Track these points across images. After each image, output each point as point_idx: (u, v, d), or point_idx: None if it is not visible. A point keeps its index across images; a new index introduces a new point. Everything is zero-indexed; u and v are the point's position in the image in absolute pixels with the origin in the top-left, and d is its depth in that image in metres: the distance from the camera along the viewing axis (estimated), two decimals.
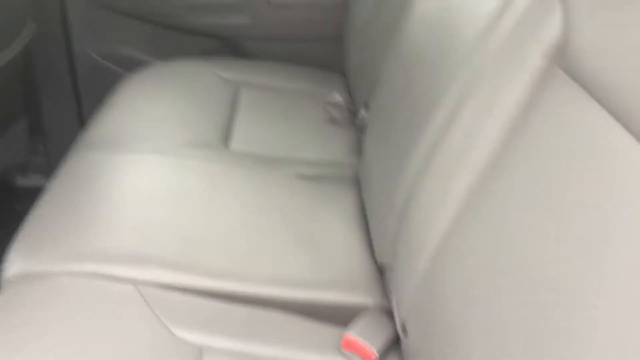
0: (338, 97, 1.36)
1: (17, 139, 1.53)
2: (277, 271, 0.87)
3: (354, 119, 1.33)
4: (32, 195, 1.12)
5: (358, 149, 1.21)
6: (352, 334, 0.78)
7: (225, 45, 1.65)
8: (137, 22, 1.61)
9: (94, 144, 1.10)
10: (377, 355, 0.77)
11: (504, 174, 0.62)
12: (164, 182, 1.01)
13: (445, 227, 0.68)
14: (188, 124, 1.21)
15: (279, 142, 1.22)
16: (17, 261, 0.82)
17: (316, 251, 0.92)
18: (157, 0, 1.58)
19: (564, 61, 0.59)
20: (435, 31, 0.89)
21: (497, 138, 0.65)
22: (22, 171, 1.64)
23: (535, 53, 0.62)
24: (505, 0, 0.73)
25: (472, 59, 0.74)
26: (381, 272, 0.90)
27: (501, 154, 0.64)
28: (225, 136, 1.21)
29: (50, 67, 1.60)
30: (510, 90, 0.64)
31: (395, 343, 0.79)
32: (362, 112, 1.15)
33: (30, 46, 1.42)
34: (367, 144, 1.07)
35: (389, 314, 0.82)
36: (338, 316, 0.83)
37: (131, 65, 1.59)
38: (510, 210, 0.59)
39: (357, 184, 1.10)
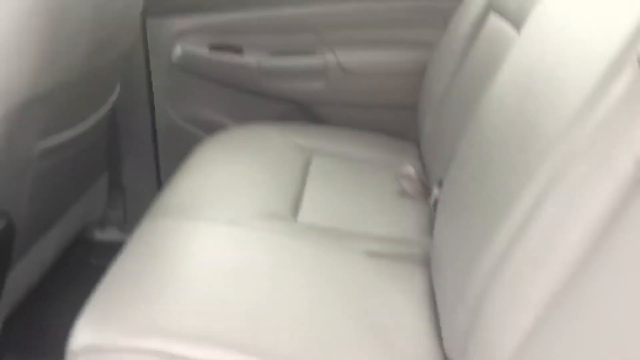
0: (410, 169, 1.34)
1: (98, 195, 1.59)
2: (342, 359, 0.85)
3: (426, 192, 1.30)
4: (108, 249, 1.15)
5: (430, 226, 1.17)
6: None
7: (301, 110, 1.67)
8: (216, 86, 1.66)
9: (167, 210, 1.13)
10: None
11: (588, 280, 0.58)
12: (231, 254, 1.02)
13: (525, 331, 0.64)
14: (259, 192, 1.22)
15: (348, 214, 1.21)
16: (83, 333, 0.83)
17: (383, 338, 0.89)
18: (235, 66, 1.63)
19: None
20: (514, 118, 0.86)
21: (580, 244, 0.61)
22: (100, 225, 1.70)
23: (626, 158, 0.58)
24: (593, 94, 0.69)
25: (554, 155, 0.70)
26: None
27: (585, 259, 0.60)
28: (295, 206, 1.21)
29: (133, 126, 1.67)
30: (596, 196, 0.60)
31: None
32: (436, 191, 1.12)
33: (116, 107, 1.49)
34: (439, 225, 1.04)
35: None
36: None
37: (209, 127, 1.64)
38: (599, 320, 0.55)
39: (428, 264, 1.07)
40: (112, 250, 1.05)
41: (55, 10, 1.01)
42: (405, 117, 1.59)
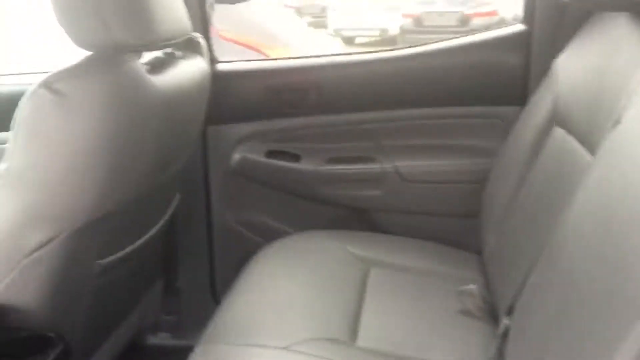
0: (473, 287, 1.28)
1: (153, 300, 1.59)
2: None
3: (490, 311, 1.24)
4: (159, 354, 1.13)
5: (496, 356, 1.10)
6: None
7: (357, 216, 1.65)
8: (273, 191, 1.67)
9: (222, 334, 1.10)
10: None
11: None
12: None
13: None
14: (315, 314, 1.18)
15: (408, 338, 1.15)
16: None
17: None
18: (292, 172, 1.63)
19: None
20: (595, 255, 0.80)
21: None
22: (153, 330, 1.68)
23: None
24: None
25: None
26: None
27: None
28: (353, 329, 1.16)
29: (190, 231, 1.67)
30: None
31: None
32: (506, 321, 1.05)
33: (174, 214, 1.50)
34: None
35: None
36: None
37: (265, 233, 1.64)
38: None
39: None
40: (164, 355, 1.03)
41: (122, 133, 1.03)
42: (465, 226, 1.54)
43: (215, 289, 1.69)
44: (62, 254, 1.01)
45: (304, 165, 1.63)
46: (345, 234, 1.52)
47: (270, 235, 1.57)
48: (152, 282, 1.56)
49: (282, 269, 1.35)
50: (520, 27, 1.56)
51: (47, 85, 0.96)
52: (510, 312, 1.05)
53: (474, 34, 1.63)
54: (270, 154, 1.65)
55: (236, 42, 3.24)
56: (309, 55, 2.00)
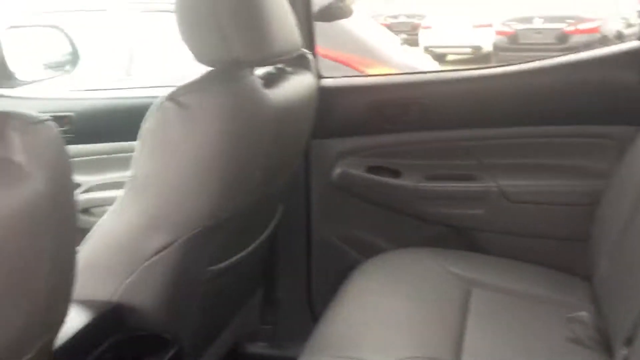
0: (584, 315, 1.22)
1: (252, 310, 1.63)
2: None
3: (603, 341, 1.18)
4: None
5: None
6: None
7: (458, 235, 1.63)
8: (373, 207, 1.67)
9: (323, 348, 1.11)
10: None
11: None
12: None
13: None
14: (417, 332, 1.17)
15: None
16: None
17: None
18: (392, 188, 1.63)
19: None
20: None
21: None
22: (251, 339, 1.72)
23: None
24: None
25: None
26: None
27: None
28: (457, 349, 1.14)
29: (290, 244, 1.71)
30: None
31: None
32: (624, 352, 1.00)
33: (277, 226, 1.53)
34: None
35: None
36: None
37: (363, 248, 1.64)
38: None
39: None
40: None
41: (239, 144, 1.07)
42: (572, 250, 1.48)
43: (312, 301, 1.71)
44: (178, 258, 1.05)
45: (404, 182, 1.63)
46: (445, 252, 1.50)
47: (368, 251, 1.57)
48: (252, 291, 1.60)
49: (382, 285, 1.35)
50: (635, 44, 1.49)
51: (172, 98, 1.01)
52: (629, 342, 1.00)
53: (574, 52, 1.58)
54: (371, 169, 1.66)
55: (332, 58, 3.30)
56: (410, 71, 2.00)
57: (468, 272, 1.41)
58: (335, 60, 3.35)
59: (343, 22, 3.57)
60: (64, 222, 0.64)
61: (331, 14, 3.55)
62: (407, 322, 1.20)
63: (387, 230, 1.66)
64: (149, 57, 3.28)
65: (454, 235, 1.63)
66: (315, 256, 1.71)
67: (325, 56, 3.24)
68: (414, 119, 1.62)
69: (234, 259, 1.26)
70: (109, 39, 3.22)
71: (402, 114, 1.62)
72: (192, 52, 1.08)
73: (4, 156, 0.57)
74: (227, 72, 1.08)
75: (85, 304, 1.00)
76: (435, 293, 1.31)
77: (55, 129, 0.63)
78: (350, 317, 1.21)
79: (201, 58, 1.08)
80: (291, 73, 1.33)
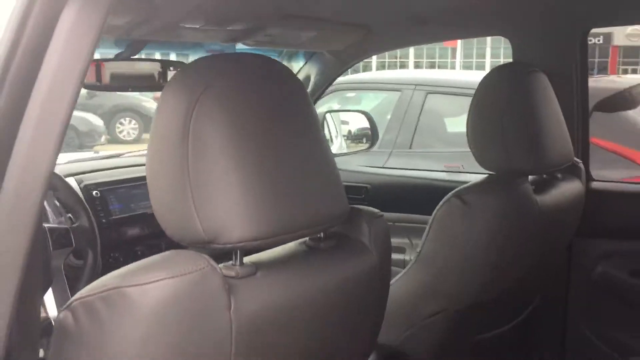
0: None
1: None
2: None
3: None
4: None
5: None
6: None
7: None
8: (634, 310, 1.69)
9: None
10: None
11: None
12: None
13: None
14: None
15: None
16: None
17: None
18: None
19: None
20: None
21: None
22: None
23: None
24: None
25: None
26: None
27: None
28: None
29: (542, 334, 1.80)
30: None
31: None
32: None
33: (532, 312, 1.67)
34: None
35: None
36: None
37: (623, 351, 1.66)
38: None
39: None
40: None
41: (508, 240, 1.28)
42: None
43: None
44: (447, 325, 1.30)
45: None
46: None
47: (621, 351, 1.60)
48: None
49: None
50: None
51: (459, 195, 1.28)
52: None
53: None
54: (635, 272, 1.70)
55: (611, 150, 3.23)
56: None
57: None
58: (620, 155, 3.27)
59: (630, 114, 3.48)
60: (385, 286, 0.94)
61: (616, 104, 3.49)
62: None
63: None
64: (428, 132, 3.63)
65: None
66: (568, 348, 1.78)
67: (612, 150, 3.17)
68: None
69: (488, 334, 1.45)
70: (399, 115, 3.65)
71: None
72: (476, 158, 1.35)
73: (357, 238, 0.89)
74: (505, 178, 1.32)
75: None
76: None
77: (385, 221, 0.94)
78: None
79: (484, 164, 1.34)
80: (561, 180, 1.50)
